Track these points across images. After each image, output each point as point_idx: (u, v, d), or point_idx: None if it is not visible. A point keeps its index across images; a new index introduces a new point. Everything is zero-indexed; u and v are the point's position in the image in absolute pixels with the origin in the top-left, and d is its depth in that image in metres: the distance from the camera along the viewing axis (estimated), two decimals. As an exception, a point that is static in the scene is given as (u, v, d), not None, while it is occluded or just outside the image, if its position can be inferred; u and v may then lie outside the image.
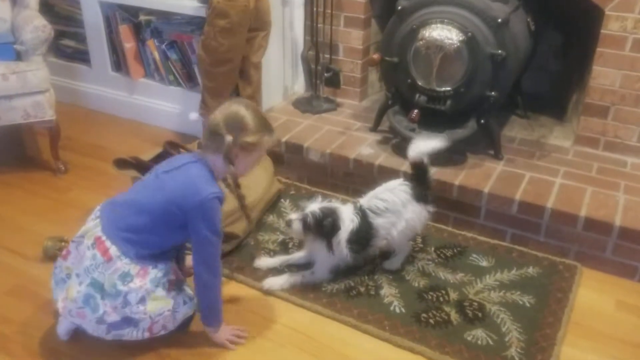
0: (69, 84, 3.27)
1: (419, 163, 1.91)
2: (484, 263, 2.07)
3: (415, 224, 1.94)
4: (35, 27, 2.47)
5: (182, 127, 3.00)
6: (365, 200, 1.95)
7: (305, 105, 2.80)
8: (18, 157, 2.78)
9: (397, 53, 2.33)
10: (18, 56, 2.51)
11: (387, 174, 2.30)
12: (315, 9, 2.67)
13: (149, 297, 1.57)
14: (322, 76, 2.75)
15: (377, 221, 1.90)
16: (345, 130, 2.59)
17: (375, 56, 2.34)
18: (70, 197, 2.47)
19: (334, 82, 2.77)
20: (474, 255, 2.10)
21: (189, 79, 2.95)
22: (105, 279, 1.55)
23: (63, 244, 2.05)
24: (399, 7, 2.32)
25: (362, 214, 1.90)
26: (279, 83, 2.86)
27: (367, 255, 2.01)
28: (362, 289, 1.93)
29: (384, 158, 2.36)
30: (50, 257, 2.03)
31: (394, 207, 1.90)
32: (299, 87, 2.97)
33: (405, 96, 2.37)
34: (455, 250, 2.13)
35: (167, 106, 3.02)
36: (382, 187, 1.96)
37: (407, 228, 1.93)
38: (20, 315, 1.84)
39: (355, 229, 1.87)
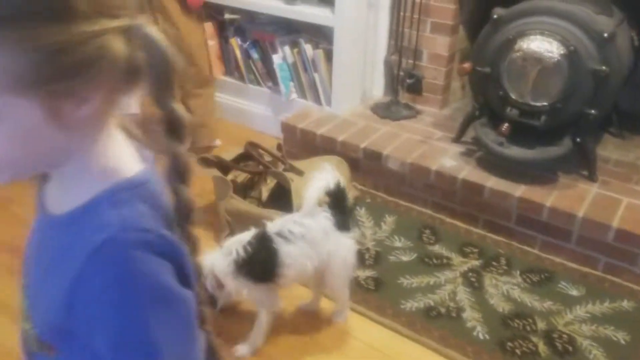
0: (238, 104, 3.30)
1: (335, 190, 1.66)
2: (574, 292, 1.94)
3: (344, 256, 1.67)
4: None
5: (261, 127, 2.99)
6: (277, 224, 1.66)
7: (383, 110, 2.73)
8: None
9: (489, 63, 2.22)
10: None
11: (471, 188, 2.21)
12: (401, 13, 2.59)
13: None
14: (404, 82, 2.67)
15: (285, 248, 1.60)
16: (426, 139, 2.50)
17: (466, 65, 2.24)
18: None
19: (415, 88, 2.69)
20: (563, 283, 1.98)
21: (269, 79, 2.94)
22: None
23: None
24: (495, 16, 2.21)
25: (261, 240, 1.62)
26: (357, 86, 2.80)
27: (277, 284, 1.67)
28: (443, 310, 1.85)
29: (468, 171, 2.26)
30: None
31: (312, 236, 1.62)
32: (378, 91, 2.90)
33: (495, 108, 2.26)
34: (542, 276, 2.01)
35: (246, 105, 3.02)
36: (305, 211, 1.67)
37: (337, 263, 1.66)
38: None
39: (243, 258, 1.58)
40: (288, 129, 2.66)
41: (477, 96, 2.37)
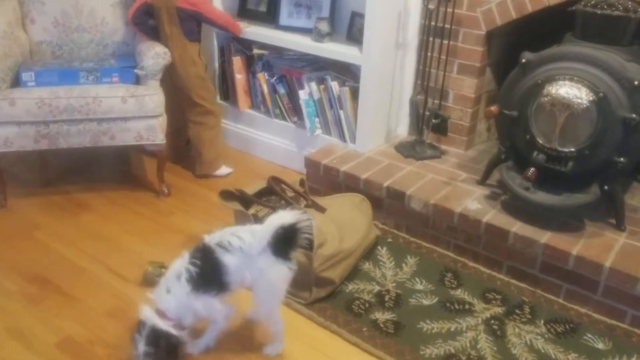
0: None
1: (289, 227, 1.64)
2: (600, 345, 1.87)
3: (274, 280, 1.68)
4: (157, 53, 2.57)
5: (285, 162, 3.01)
6: (215, 236, 1.70)
7: (408, 149, 2.72)
8: (124, 176, 2.89)
9: (516, 107, 2.21)
10: (137, 80, 2.62)
11: (496, 233, 2.17)
12: (429, 54, 2.61)
13: None
14: (430, 122, 2.67)
15: (227, 258, 1.65)
16: (450, 180, 2.48)
17: (493, 108, 2.23)
18: (171, 221, 2.52)
19: (441, 128, 2.68)
20: (589, 335, 1.91)
21: (294, 114, 2.96)
22: None
23: (163, 270, 2.07)
24: (523, 60, 2.20)
25: (205, 253, 1.66)
26: (382, 125, 2.80)
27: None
28: (464, 358, 1.79)
29: (492, 215, 2.22)
30: (150, 282, 2.05)
31: (249, 250, 1.65)
32: (402, 130, 2.90)
33: (522, 152, 2.24)
34: (567, 327, 1.94)
35: (271, 139, 3.05)
36: (245, 227, 1.72)
37: (265, 283, 1.67)
38: (113, 338, 1.85)
39: (197, 273, 1.63)
40: (311, 164, 2.66)
41: (503, 139, 2.35)
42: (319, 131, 2.87)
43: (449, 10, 2.52)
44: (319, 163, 2.62)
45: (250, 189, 2.26)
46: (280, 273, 1.67)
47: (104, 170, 2.97)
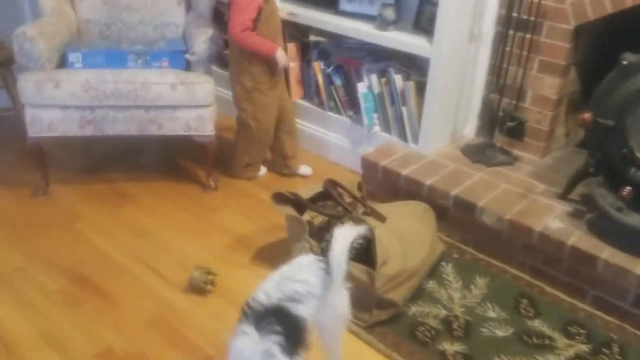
0: (227, 95, 3.18)
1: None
2: None
3: (340, 309, 1.46)
4: (209, 37, 2.39)
5: (337, 158, 2.80)
6: (269, 291, 1.38)
7: (476, 153, 2.47)
8: (170, 167, 2.72)
9: (613, 115, 1.93)
10: (187, 66, 2.44)
11: (581, 258, 1.91)
12: (506, 48, 2.34)
13: None
14: (504, 124, 2.41)
15: (302, 309, 1.37)
16: (527, 192, 2.22)
17: (586, 116, 1.96)
18: (217, 218, 2.35)
19: (516, 133, 2.42)
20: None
21: (350, 108, 2.74)
22: None
23: (210, 277, 1.90)
24: (625, 62, 1.92)
25: (280, 315, 1.35)
26: (448, 124, 2.55)
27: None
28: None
29: (578, 237, 1.96)
30: (195, 288, 1.89)
31: (318, 292, 1.40)
32: (469, 131, 2.65)
33: (616, 167, 1.97)
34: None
35: (323, 133, 2.83)
36: (295, 266, 1.45)
37: (332, 315, 1.45)
38: (154, 354, 1.70)
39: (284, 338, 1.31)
40: (369, 165, 2.44)
41: (594, 150, 2.08)
42: (377, 128, 2.64)
43: (535, 0, 2.24)
44: (377, 164, 2.40)
45: (305, 191, 2.06)
46: (344, 299, 1.46)
47: (149, 160, 2.81)
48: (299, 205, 2.02)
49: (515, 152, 2.50)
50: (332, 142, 2.81)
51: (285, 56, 2.43)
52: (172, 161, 2.77)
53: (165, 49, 2.44)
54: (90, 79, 2.24)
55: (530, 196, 2.20)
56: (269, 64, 2.40)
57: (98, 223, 2.27)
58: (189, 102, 2.33)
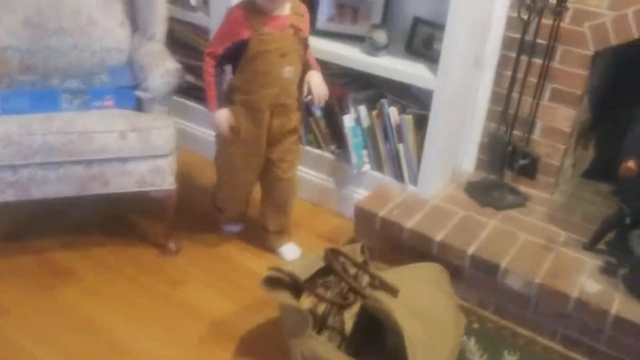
0: (184, 126, 2.70)
1: None
2: None
3: None
4: (167, 70, 1.93)
5: (320, 199, 2.42)
6: None
7: (483, 194, 2.16)
8: (118, 227, 2.18)
9: (656, 161, 1.67)
10: (138, 104, 1.98)
11: (626, 329, 1.64)
12: (516, 75, 2.03)
13: None
14: (516, 162, 2.11)
15: None
16: (549, 243, 1.94)
17: (631, 164, 1.68)
18: (183, 295, 1.90)
19: (529, 171, 2.14)
20: None
21: (333, 141, 2.36)
22: None
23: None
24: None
25: None
26: (449, 161, 2.23)
27: None
28: None
29: (621, 304, 1.69)
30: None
31: None
32: (468, 163, 2.33)
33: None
34: None
35: (303, 171, 2.41)
36: None
37: None
38: None
39: None
40: (364, 215, 2.08)
41: (628, 199, 1.81)
42: (366, 167, 2.28)
43: (546, 22, 1.95)
44: (375, 215, 2.04)
45: (302, 267, 1.67)
46: None
47: (90, 219, 2.22)
48: (297, 289, 1.62)
49: (523, 188, 2.22)
50: (312, 181, 2.42)
51: (226, 122, 1.82)
52: (120, 218, 2.23)
53: (108, 83, 1.97)
54: (11, 131, 1.73)
55: (555, 248, 1.91)
56: (254, 110, 1.87)
57: (23, 316, 1.76)
58: (144, 152, 1.87)
